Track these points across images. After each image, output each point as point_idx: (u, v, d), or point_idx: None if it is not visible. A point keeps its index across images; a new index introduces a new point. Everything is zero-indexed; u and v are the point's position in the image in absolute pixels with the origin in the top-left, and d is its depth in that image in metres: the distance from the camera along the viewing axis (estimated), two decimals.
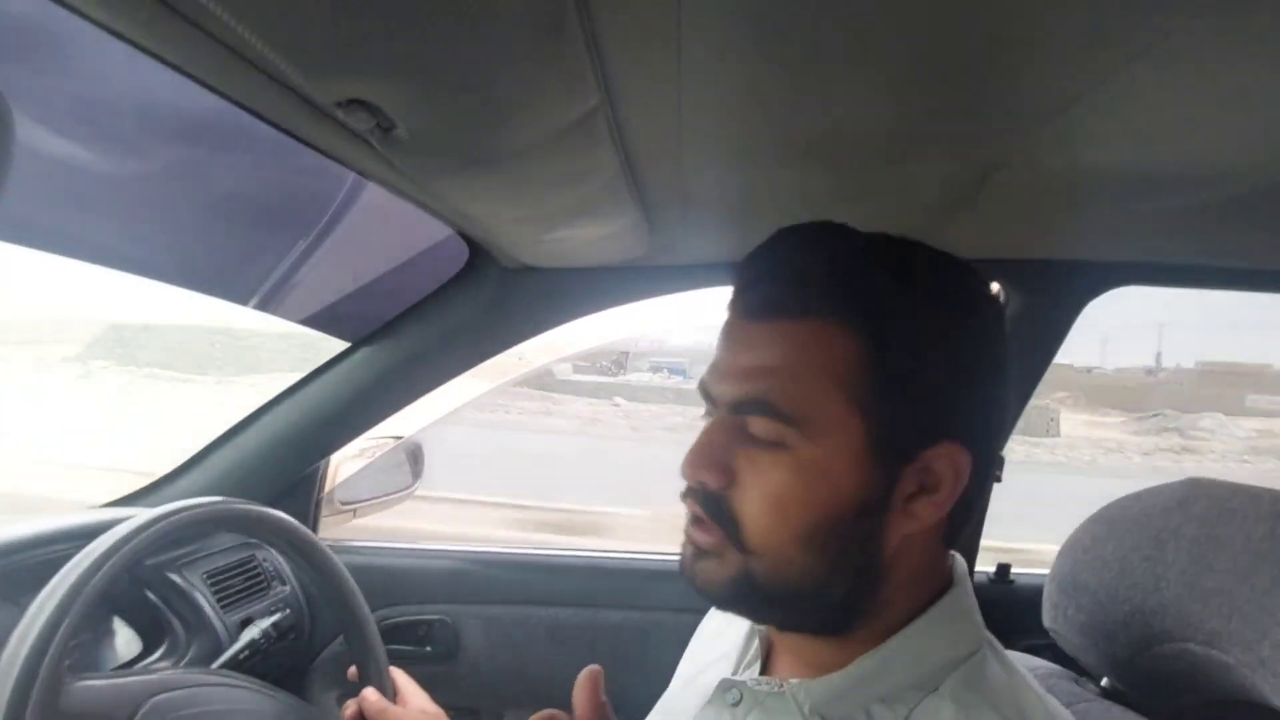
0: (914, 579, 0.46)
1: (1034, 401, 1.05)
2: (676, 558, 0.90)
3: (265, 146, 0.70)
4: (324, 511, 1.15)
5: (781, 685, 0.48)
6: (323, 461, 1.12)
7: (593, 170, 0.60)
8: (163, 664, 0.83)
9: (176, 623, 0.87)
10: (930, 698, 0.43)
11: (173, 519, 0.64)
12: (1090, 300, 0.91)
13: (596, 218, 0.71)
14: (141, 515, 0.62)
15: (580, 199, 0.65)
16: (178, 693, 0.61)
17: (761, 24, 0.42)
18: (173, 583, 0.88)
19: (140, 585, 0.87)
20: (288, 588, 1.02)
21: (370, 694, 0.71)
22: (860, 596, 0.45)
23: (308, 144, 0.52)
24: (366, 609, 0.75)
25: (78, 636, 0.78)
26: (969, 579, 0.49)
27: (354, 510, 1.24)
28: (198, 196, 0.70)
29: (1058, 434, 12.12)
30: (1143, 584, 0.62)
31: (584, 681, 0.45)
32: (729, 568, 0.45)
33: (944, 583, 0.48)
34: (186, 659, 0.85)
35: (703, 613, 0.71)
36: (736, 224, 0.80)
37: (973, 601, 0.48)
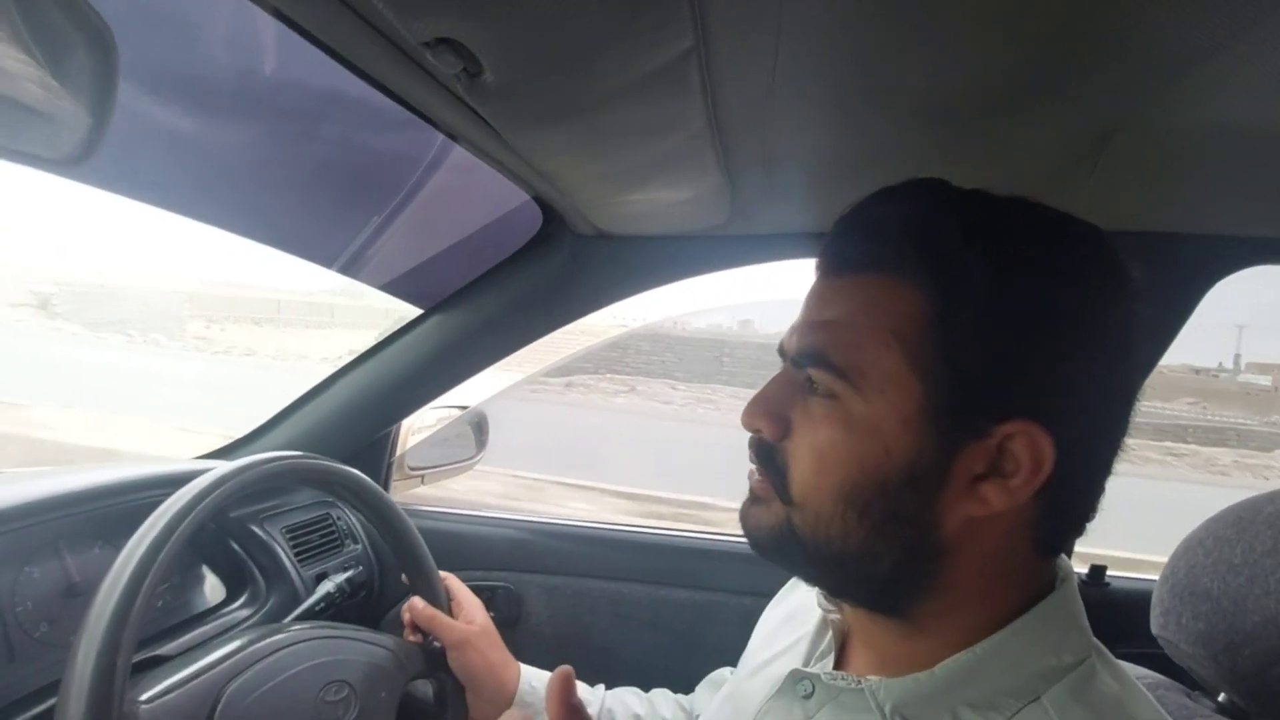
0: (994, 572, 0.42)
1: None
2: (742, 539, 0.88)
3: (353, 114, 0.71)
4: (394, 475, 1.18)
5: (859, 682, 0.45)
6: (394, 426, 1.14)
7: (678, 124, 0.58)
8: (245, 610, 0.87)
9: (258, 573, 0.91)
10: (1030, 707, 0.40)
11: (254, 470, 0.66)
12: (1219, 280, 0.83)
13: (677, 178, 0.68)
14: (225, 466, 0.64)
15: (662, 156, 0.62)
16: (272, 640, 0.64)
17: None
18: (255, 535, 0.92)
19: (226, 536, 0.91)
20: (359, 546, 1.05)
21: (417, 602, 0.76)
22: (912, 574, 0.42)
23: (392, 93, 0.52)
24: (425, 548, 0.78)
25: (168, 580, 0.83)
26: (1074, 581, 0.45)
27: (421, 476, 1.27)
28: (289, 162, 0.72)
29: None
30: (1277, 592, 0.56)
31: (555, 682, 0.45)
32: (773, 516, 0.45)
33: (1044, 584, 0.44)
34: (266, 608, 0.88)
35: (767, 596, 0.70)
36: (823, 190, 0.75)
37: (1079, 606, 0.44)
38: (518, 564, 1.09)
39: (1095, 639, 0.43)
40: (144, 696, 0.52)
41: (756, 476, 0.46)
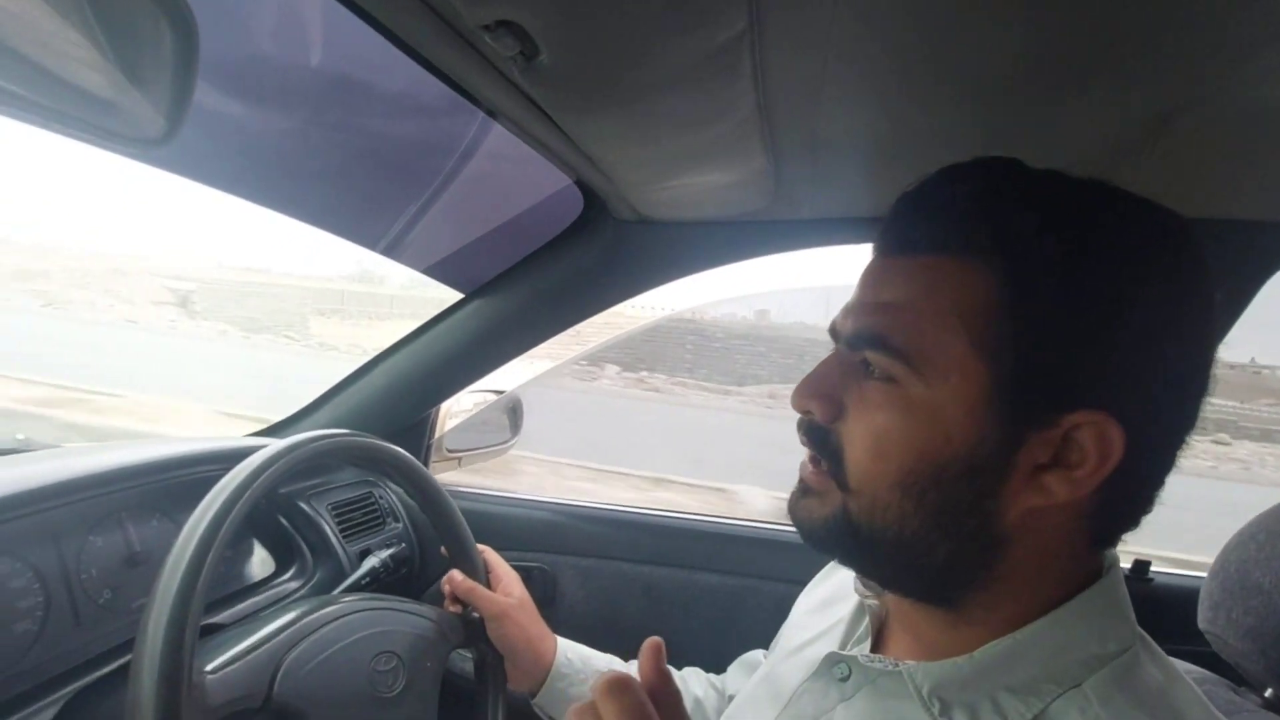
0: (1047, 563, 0.41)
1: None
2: (775, 527, 0.89)
3: (403, 100, 0.72)
4: (432, 457, 1.20)
5: (896, 664, 0.45)
6: (434, 409, 1.16)
7: (726, 109, 0.58)
8: (294, 583, 0.90)
9: (305, 548, 0.94)
10: (1070, 694, 0.39)
11: (307, 447, 0.68)
12: (1278, 269, 0.80)
13: (722, 163, 0.68)
14: (280, 442, 0.66)
15: (709, 141, 0.62)
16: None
17: None
18: (303, 511, 0.94)
19: (275, 511, 0.94)
20: (400, 525, 1.08)
21: (456, 575, 0.78)
22: (969, 564, 0.41)
23: (445, 76, 0.53)
24: (464, 523, 0.81)
25: (227, 550, 0.86)
26: (1120, 570, 0.44)
27: (459, 459, 1.30)
28: (340, 145, 0.74)
29: None
30: None
31: (648, 651, 0.44)
32: (829, 505, 0.44)
33: (1091, 573, 0.43)
34: (314, 581, 0.91)
35: (799, 582, 0.70)
36: (869, 175, 0.75)
37: (1124, 595, 0.43)
38: (553, 545, 1.11)
39: (1141, 629, 0.43)
40: (209, 667, 0.54)
41: (809, 468, 0.46)
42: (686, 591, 1.07)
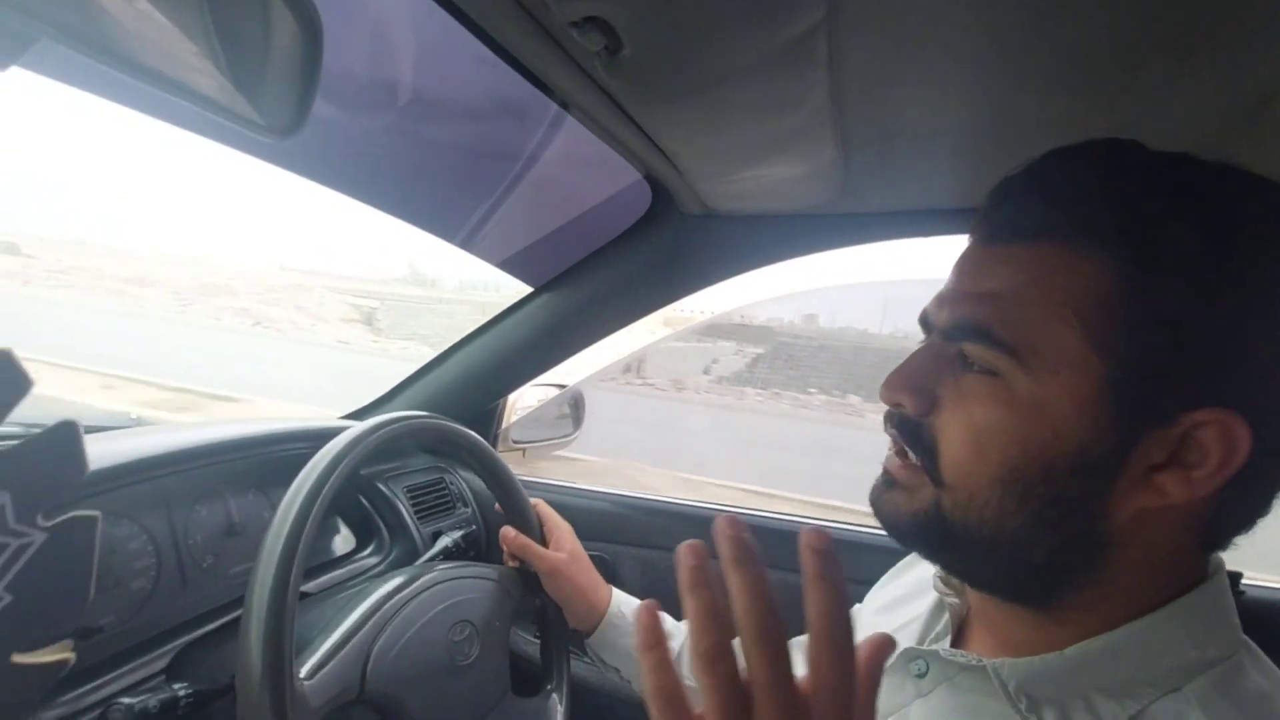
0: (1153, 565, 0.40)
1: None
2: (840, 525, 0.88)
3: (482, 96, 0.76)
4: (499, 447, 1.24)
5: (980, 660, 0.44)
6: (502, 400, 1.21)
7: (799, 99, 0.58)
8: (373, 559, 0.95)
9: (383, 526, 0.99)
10: (1169, 698, 0.38)
11: (390, 427, 0.72)
12: None
13: (791, 154, 0.68)
14: (366, 422, 0.71)
15: (780, 131, 0.63)
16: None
17: None
18: (381, 491, 1.00)
19: (356, 491, 0.99)
20: (469, 510, 1.12)
21: (509, 531, 0.83)
22: (1070, 566, 0.40)
23: (528, 72, 0.55)
24: (519, 484, 0.86)
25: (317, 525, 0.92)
26: (1225, 575, 0.42)
27: (523, 450, 1.34)
28: (421, 134, 0.78)
29: None
30: None
31: (644, 611, 0.42)
32: (919, 500, 0.42)
33: (1194, 577, 0.41)
34: (390, 558, 0.96)
35: (862, 582, 0.69)
36: (944, 166, 0.73)
37: (1230, 600, 0.41)
38: (613, 535, 1.13)
39: (1245, 636, 0.41)
40: (303, 673, 0.57)
41: (895, 461, 0.44)
42: None
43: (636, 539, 1.13)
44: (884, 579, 0.66)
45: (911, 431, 0.43)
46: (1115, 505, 0.38)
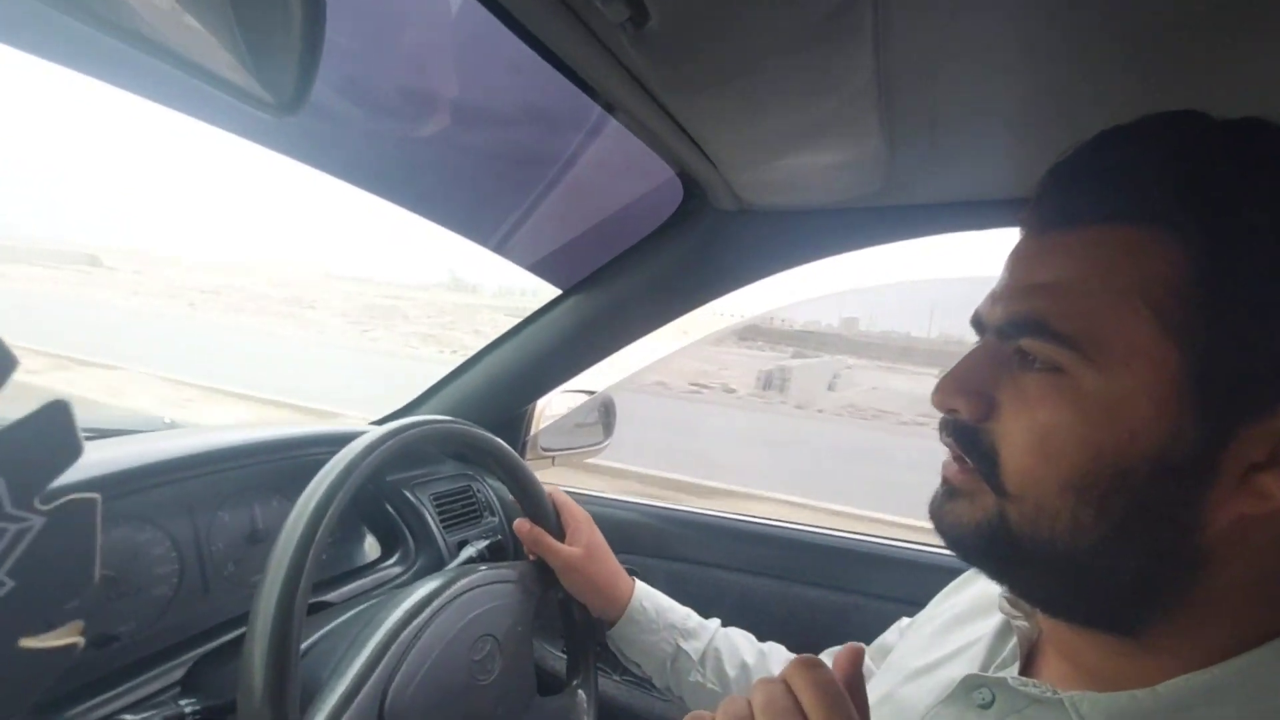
0: (1259, 582, 0.34)
1: None
2: (886, 543, 0.82)
3: (513, 99, 0.74)
4: (527, 455, 1.22)
5: (1056, 692, 0.39)
6: (530, 406, 1.18)
7: (841, 80, 0.54)
8: (397, 568, 0.92)
9: (409, 535, 0.96)
10: None
11: (406, 433, 0.69)
12: None
13: (832, 142, 0.64)
14: (380, 429, 0.68)
15: (820, 116, 0.58)
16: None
17: None
18: (407, 499, 0.98)
19: (382, 499, 0.97)
20: (496, 519, 1.09)
21: (523, 524, 0.81)
22: (1159, 585, 0.35)
23: (554, 57, 0.52)
24: (535, 478, 0.83)
25: (334, 533, 0.90)
26: None
27: (552, 458, 1.31)
28: (453, 137, 0.76)
29: None
30: None
31: (849, 653, 0.41)
32: (980, 510, 0.38)
33: None
34: (415, 568, 0.94)
35: (910, 603, 0.66)
36: (993, 153, 0.68)
37: None
38: (642, 547, 1.09)
39: None
40: None
41: (953, 467, 0.41)
42: (784, 604, 1.02)
43: (669, 551, 1.08)
44: (942, 595, 0.62)
45: (969, 438, 0.39)
46: (1210, 514, 0.33)
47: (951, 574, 0.64)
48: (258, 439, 0.82)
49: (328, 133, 0.70)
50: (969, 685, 0.44)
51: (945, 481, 0.42)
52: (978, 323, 0.42)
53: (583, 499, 1.17)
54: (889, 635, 0.69)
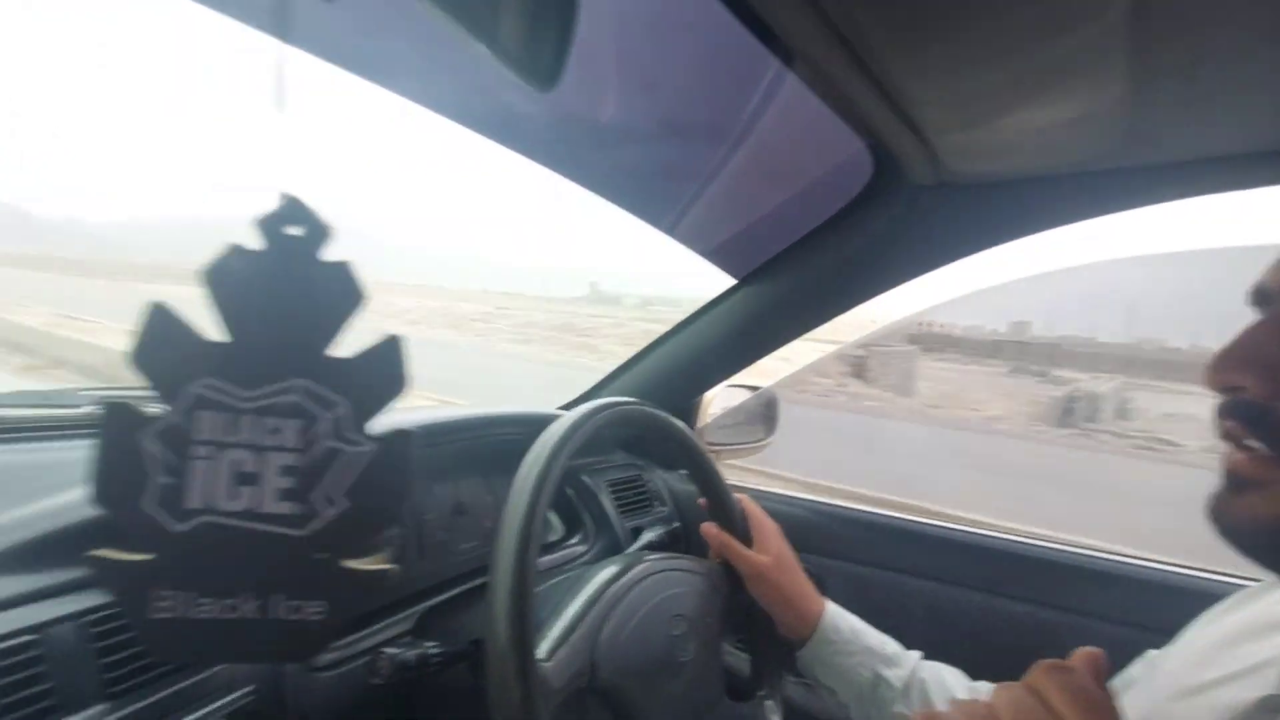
0: None
1: None
2: (1113, 558, 0.75)
3: (697, 75, 0.75)
4: None
5: None
6: (698, 399, 1.18)
7: (1089, 10, 0.48)
8: (579, 548, 0.96)
9: (588, 518, 1.00)
10: None
11: (607, 412, 0.71)
12: None
13: (1066, 94, 0.57)
14: (586, 405, 0.70)
15: (1057, 60, 0.52)
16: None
17: None
18: (585, 484, 1.01)
19: (563, 482, 1.02)
20: (667, 508, 1.10)
21: (710, 527, 0.78)
22: None
23: (751, 12, 0.51)
24: (722, 477, 0.81)
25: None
26: None
27: (718, 452, 1.30)
28: (631, 113, 0.78)
29: None
30: None
31: (1089, 657, 0.37)
32: (1278, 502, 0.35)
33: None
34: (595, 549, 0.97)
35: (1142, 627, 0.62)
36: (1261, 95, 0.58)
37: None
38: (820, 548, 1.04)
39: None
40: (541, 654, 0.56)
41: (1238, 456, 0.37)
42: (982, 618, 0.93)
43: (852, 554, 1.03)
44: (1217, 610, 0.53)
45: (1259, 418, 0.35)
46: None
47: (1198, 597, 0.55)
48: (458, 416, 0.89)
49: (511, 108, 0.72)
50: (1267, 706, 0.39)
51: (1229, 474, 0.38)
52: (1262, 292, 0.38)
53: (755, 495, 1.15)
54: (1134, 668, 0.61)
